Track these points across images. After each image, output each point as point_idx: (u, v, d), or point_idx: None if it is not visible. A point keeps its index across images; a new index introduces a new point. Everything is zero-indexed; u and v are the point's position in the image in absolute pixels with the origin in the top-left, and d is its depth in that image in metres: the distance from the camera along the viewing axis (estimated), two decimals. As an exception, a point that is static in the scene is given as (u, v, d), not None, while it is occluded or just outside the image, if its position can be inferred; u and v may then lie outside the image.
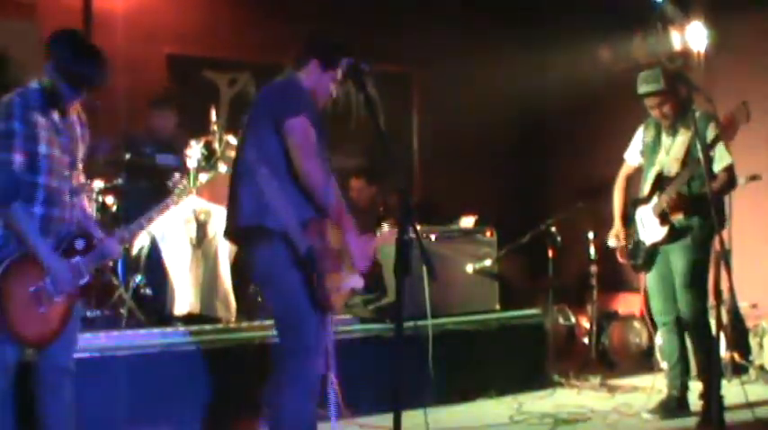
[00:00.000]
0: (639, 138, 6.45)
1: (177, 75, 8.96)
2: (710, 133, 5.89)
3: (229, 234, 4.64)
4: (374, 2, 9.57)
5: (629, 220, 6.40)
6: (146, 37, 8.84)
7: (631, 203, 6.42)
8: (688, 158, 6.00)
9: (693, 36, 8.70)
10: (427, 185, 9.72)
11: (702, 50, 8.66)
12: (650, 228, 6.20)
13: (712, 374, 5.98)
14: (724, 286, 5.94)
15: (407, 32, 9.56)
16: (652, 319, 6.67)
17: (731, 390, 6.27)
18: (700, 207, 5.89)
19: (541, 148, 10.47)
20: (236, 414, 5.63)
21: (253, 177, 4.43)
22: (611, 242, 6.49)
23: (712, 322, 6.09)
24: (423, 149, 9.87)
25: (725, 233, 6.07)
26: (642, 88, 6.13)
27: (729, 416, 5.82)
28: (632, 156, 6.51)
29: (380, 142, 4.44)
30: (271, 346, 5.57)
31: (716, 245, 5.94)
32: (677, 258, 6.12)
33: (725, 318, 7.03)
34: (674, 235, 6.08)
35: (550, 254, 7.50)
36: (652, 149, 6.28)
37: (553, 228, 7.47)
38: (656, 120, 6.26)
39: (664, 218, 6.08)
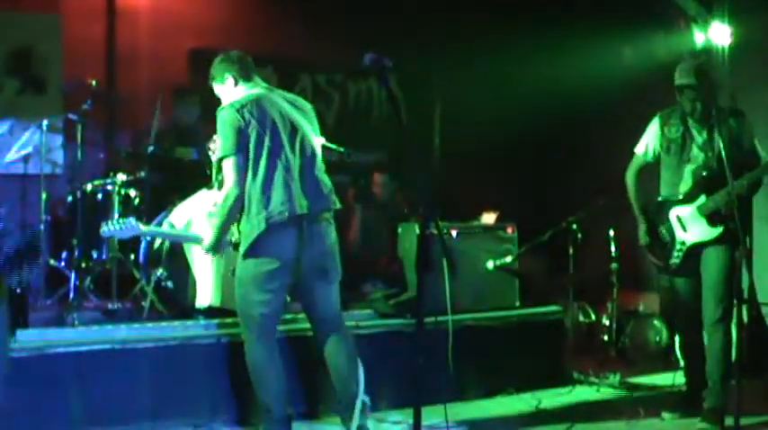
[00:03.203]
0: (655, 132, 6.25)
1: (200, 69, 8.98)
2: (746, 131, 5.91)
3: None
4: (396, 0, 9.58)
5: (660, 220, 6.22)
6: (169, 31, 8.89)
7: (661, 202, 6.24)
8: (736, 157, 5.77)
9: (717, 34, 8.67)
10: (449, 181, 9.72)
11: (726, 48, 8.62)
12: (695, 229, 6.02)
13: (730, 374, 5.97)
14: (745, 286, 5.92)
15: (429, 30, 9.56)
16: (669, 319, 6.59)
17: (750, 391, 6.25)
18: (740, 207, 5.80)
19: (563, 145, 10.44)
20: (257, 406, 5.64)
21: None
22: (645, 241, 6.33)
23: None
24: (445, 145, 9.87)
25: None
26: (680, 80, 6.04)
27: (749, 418, 5.81)
28: (648, 150, 6.30)
29: (403, 137, 4.49)
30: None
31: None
32: (714, 257, 5.99)
33: (745, 318, 6.99)
34: (726, 235, 5.92)
35: (571, 251, 7.49)
36: (680, 145, 6.10)
37: (574, 226, 7.45)
38: (679, 113, 6.12)
39: (716, 218, 5.93)
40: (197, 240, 5.82)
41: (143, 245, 6.93)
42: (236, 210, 5.25)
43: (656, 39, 9.07)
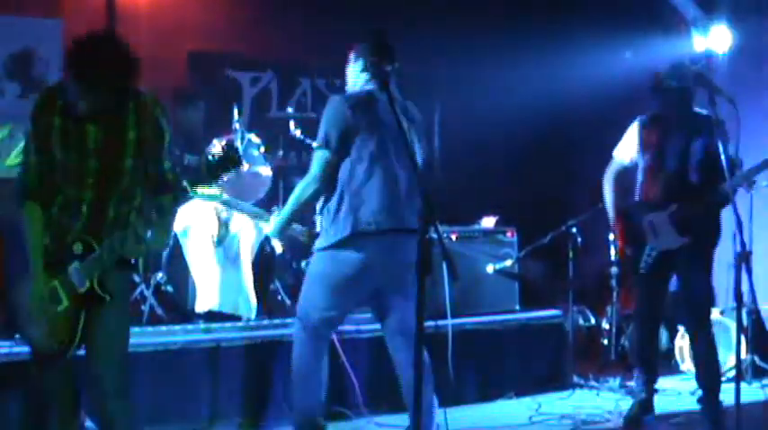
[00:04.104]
0: (635, 136, 6.19)
1: (199, 73, 8.98)
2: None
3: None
4: (396, 0, 9.57)
5: (633, 224, 6.15)
6: (169, 34, 8.87)
7: (636, 206, 6.20)
8: (712, 165, 5.71)
9: (717, 38, 8.67)
10: (448, 185, 9.72)
11: (726, 53, 8.62)
12: (665, 236, 5.97)
13: (716, 381, 5.97)
14: (745, 288, 5.91)
15: (429, 32, 9.55)
16: (670, 322, 6.55)
17: (752, 394, 6.25)
18: (715, 214, 5.81)
19: (563, 149, 10.44)
20: (256, 411, 5.65)
21: None
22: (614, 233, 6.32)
23: (731, 325, 6.06)
24: (444, 149, 9.85)
25: (745, 234, 5.98)
26: (656, 83, 6.02)
27: (748, 421, 5.81)
28: (626, 153, 6.25)
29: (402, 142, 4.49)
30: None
31: (737, 246, 5.88)
32: (686, 267, 5.99)
33: (745, 321, 6.98)
34: (694, 244, 5.91)
35: (571, 254, 7.48)
36: (657, 151, 6.04)
37: (574, 229, 7.43)
38: (660, 118, 6.08)
39: (685, 227, 5.89)
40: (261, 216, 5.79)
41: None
42: (308, 203, 5.11)
43: (655, 42, 9.07)
